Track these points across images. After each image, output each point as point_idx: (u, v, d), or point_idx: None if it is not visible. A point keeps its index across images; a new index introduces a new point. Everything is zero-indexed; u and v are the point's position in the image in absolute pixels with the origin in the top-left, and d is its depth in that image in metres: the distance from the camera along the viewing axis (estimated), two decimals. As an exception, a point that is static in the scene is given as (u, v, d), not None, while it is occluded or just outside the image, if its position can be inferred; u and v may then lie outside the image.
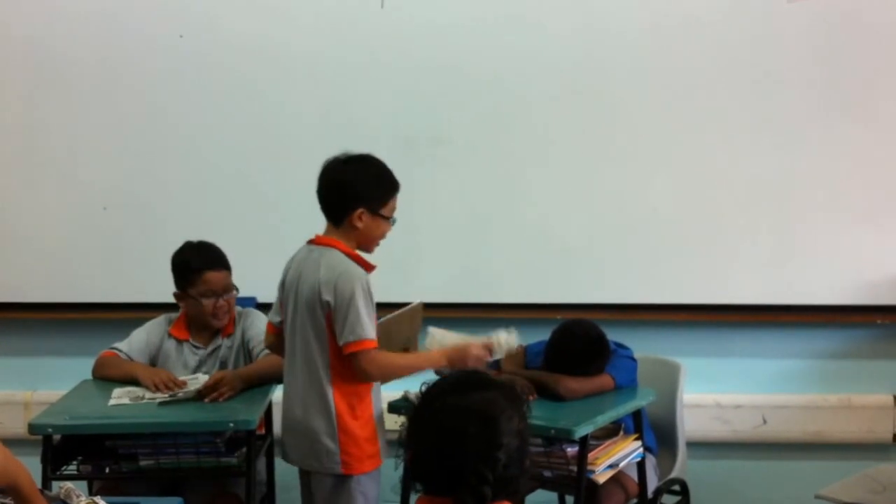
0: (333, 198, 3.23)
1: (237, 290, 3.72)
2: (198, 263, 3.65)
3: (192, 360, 3.71)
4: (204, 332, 3.73)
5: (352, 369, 3.19)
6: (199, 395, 3.42)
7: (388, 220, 3.27)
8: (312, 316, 3.20)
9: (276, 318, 3.37)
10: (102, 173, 4.41)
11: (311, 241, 3.30)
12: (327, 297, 3.15)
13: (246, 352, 3.71)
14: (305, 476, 3.35)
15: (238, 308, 3.77)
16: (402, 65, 4.27)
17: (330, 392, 3.20)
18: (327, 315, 3.17)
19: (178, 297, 3.70)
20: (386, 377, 3.27)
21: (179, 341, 3.73)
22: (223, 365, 3.69)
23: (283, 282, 3.34)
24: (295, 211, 4.10)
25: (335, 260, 3.20)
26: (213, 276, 3.64)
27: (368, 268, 3.25)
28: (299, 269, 3.27)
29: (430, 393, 2.14)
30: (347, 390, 3.21)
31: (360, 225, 3.21)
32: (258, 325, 3.70)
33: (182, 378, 3.58)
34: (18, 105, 4.43)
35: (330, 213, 3.26)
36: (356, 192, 3.21)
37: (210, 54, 4.33)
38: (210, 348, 3.72)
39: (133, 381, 3.56)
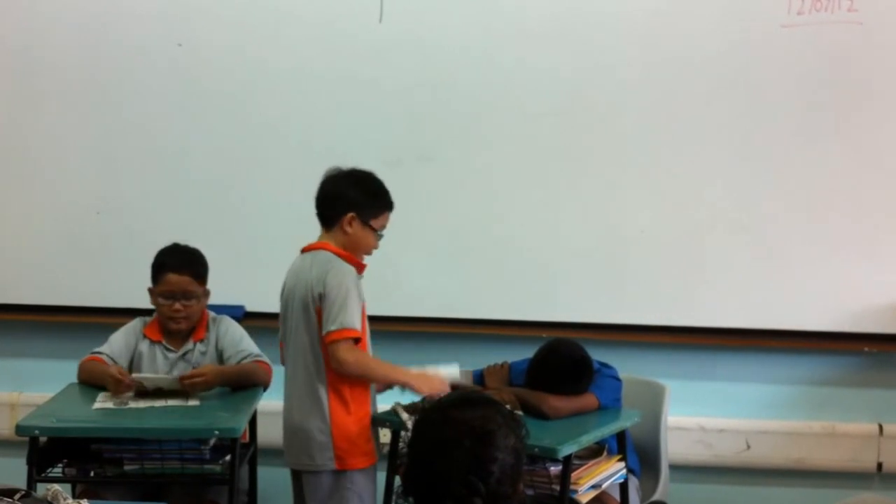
0: (328, 200, 3.35)
1: (201, 298, 3.69)
2: (164, 263, 3.68)
3: (164, 362, 3.72)
4: (176, 335, 3.73)
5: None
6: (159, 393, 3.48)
7: (376, 233, 3.34)
8: (307, 314, 3.31)
9: (281, 334, 3.49)
10: (96, 178, 4.42)
11: (303, 250, 3.41)
12: (319, 289, 3.26)
13: (220, 361, 3.70)
14: (297, 479, 3.42)
15: (212, 314, 3.78)
16: (395, 80, 4.28)
17: (324, 389, 3.31)
18: (317, 310, 3.27)
19: (149, 293, 3.71)
20: (359, 372, 3.31)
21: (153, 343, 3.74)
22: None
23: (281, 294, 3.47)
24: (285, 222, 4.14)
25: (325, 258, 3.32)
26: (174, 279, 3.65)
27: (360, 268, 3.33)
28: (294, 277, 3.39)
29: (431, 408, 2.18)
30: (341, 387, 3.31)
31: (349, 230, 3.32)
32: (232, 334, 3.73)
33: (156, 374, 3.60)
34: (13, 109, 4.44)
35: (323, 216, 3.37)
36: (350, 196, 3.33)
37: (205, 65, 4.34)
38: (181, 352, 3.72)
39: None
